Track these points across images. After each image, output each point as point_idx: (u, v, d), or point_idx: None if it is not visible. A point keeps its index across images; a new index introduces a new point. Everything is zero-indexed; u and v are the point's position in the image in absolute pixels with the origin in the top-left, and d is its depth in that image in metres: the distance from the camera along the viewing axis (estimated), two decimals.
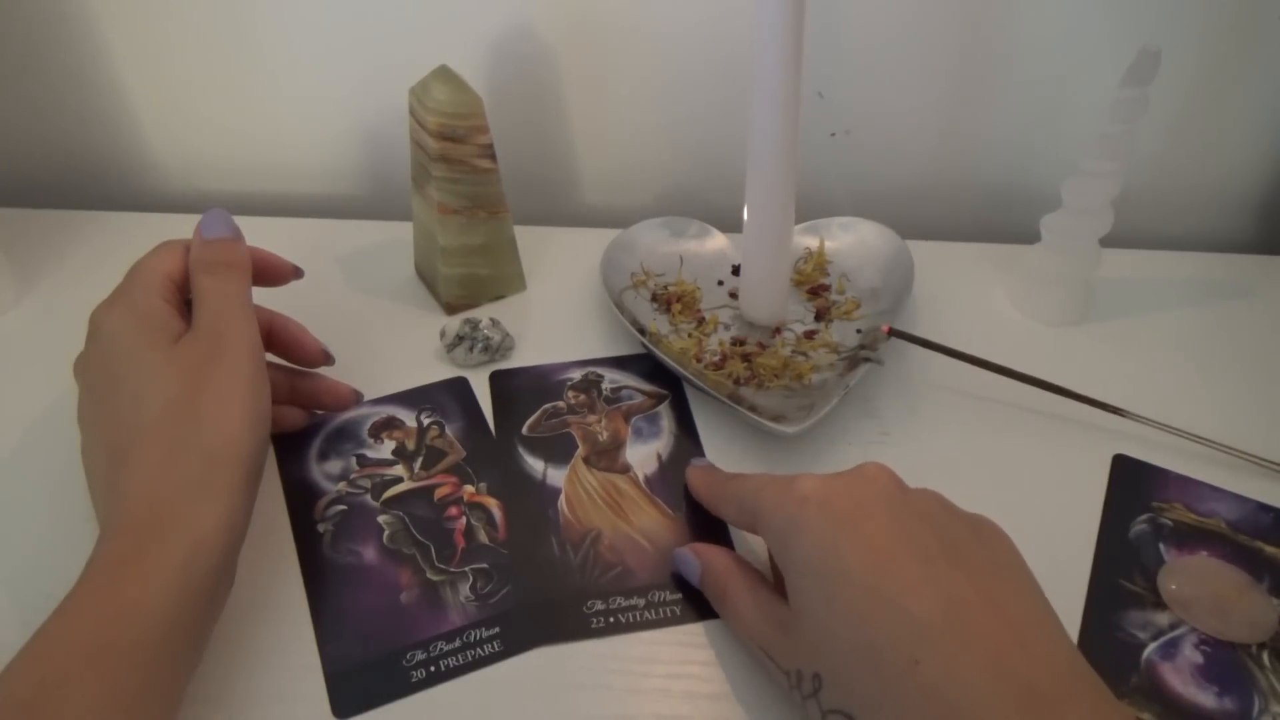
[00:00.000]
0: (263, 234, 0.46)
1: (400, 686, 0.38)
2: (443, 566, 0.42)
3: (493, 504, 0.45)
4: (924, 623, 0.30)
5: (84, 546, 0.34)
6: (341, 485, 0.45)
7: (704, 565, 0.40)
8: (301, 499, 0.44)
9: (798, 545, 0.34)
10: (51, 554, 0.37)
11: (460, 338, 0.51)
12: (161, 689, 0.32)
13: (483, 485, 0.45)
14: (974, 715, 0.29)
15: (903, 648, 0.30)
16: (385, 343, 0.52)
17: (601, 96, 0.60)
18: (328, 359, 0.46)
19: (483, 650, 0.39)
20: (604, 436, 0.48)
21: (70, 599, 0.32)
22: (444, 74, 0.49)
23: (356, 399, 0.47)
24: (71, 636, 0.31)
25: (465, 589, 0.41)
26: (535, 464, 0.47)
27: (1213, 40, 0.56)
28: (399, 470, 0.46)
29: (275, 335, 0.45)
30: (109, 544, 0.33)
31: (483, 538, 0.43)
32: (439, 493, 0.45)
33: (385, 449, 0.47)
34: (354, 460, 0.46)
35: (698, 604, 0.40)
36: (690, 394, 0.50)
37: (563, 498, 0.45)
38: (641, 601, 0.41)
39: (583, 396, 0.50)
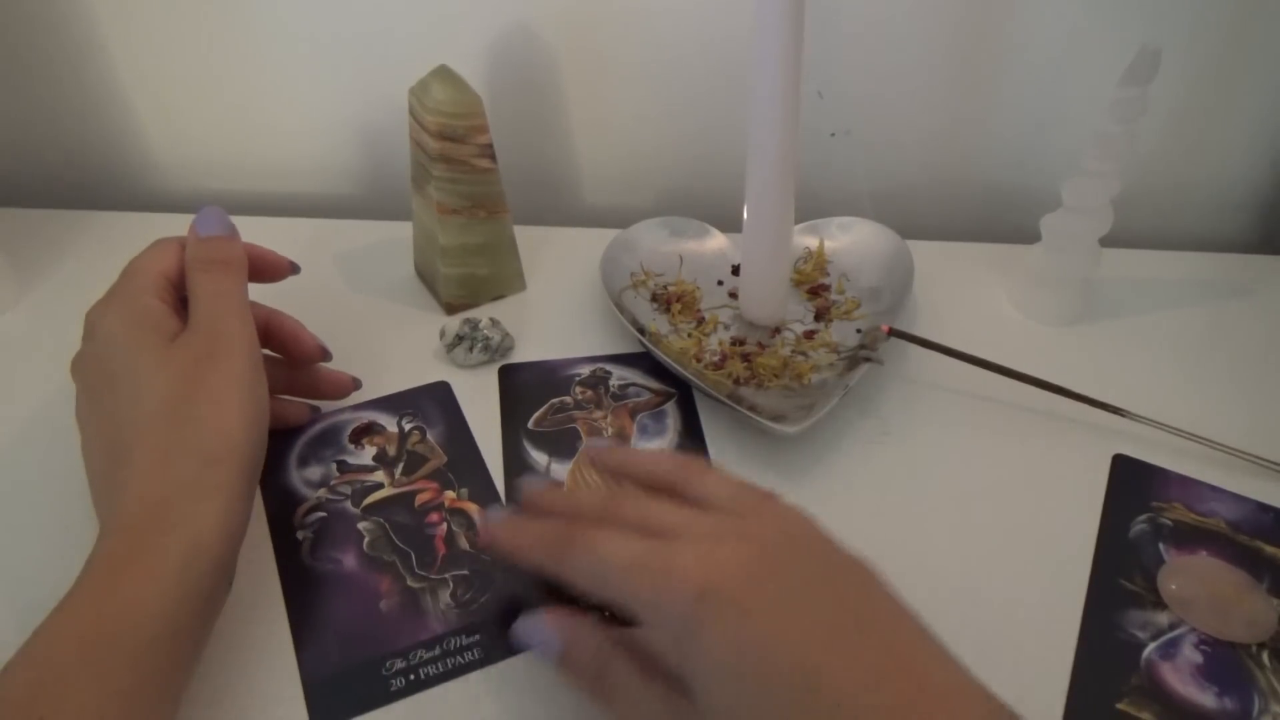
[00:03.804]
0: (262, 234, 0.46)
1: (379, 695, 0.37)
2: (423, 573, 0.41)
3: (474, 509, 0.44)
4: (870, 708, 0.28)
5: (84, 546, 0.34)
6: (322, 492, 0.44)
7: (568, 643, 0.34)
8: (281, 506, 0.44)
9: (701, 645, 0.30)
10: (51, 554, 0.37)
11: (460, 337, 0.51)
12: (160, 688, 0.32)
13: (464, 491, 0.45)
14: None
15: None
16: (385, 343, 0.52)
17: (601, 96, 0.60)
18: (325, 355, 0.46)
19: (462, 658, 0.38)
20: (609, 432, 0.48)
21: (69, 598, 0.32)
22: (444, 74, 0.49)
23: (356, 385, 0.47)
24: (70, 636, 0.31)
25: (445, 596, 0.40)
26: (539, 458, 0.47)
27: (1213, 40, 0.56)
28: (380, 476, 0.45)
29: (272, 332, 0.45)
30: (108, 543, 0.33)
31: (463, 544, 0.43)
32: (420, 499, 0.45)
33: (366, 455, 0.46)
34: (334, 466, 0.46)
35: None
36: (696, 392, 0.50)
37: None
38: None
39: (590, 393, 0.50)
